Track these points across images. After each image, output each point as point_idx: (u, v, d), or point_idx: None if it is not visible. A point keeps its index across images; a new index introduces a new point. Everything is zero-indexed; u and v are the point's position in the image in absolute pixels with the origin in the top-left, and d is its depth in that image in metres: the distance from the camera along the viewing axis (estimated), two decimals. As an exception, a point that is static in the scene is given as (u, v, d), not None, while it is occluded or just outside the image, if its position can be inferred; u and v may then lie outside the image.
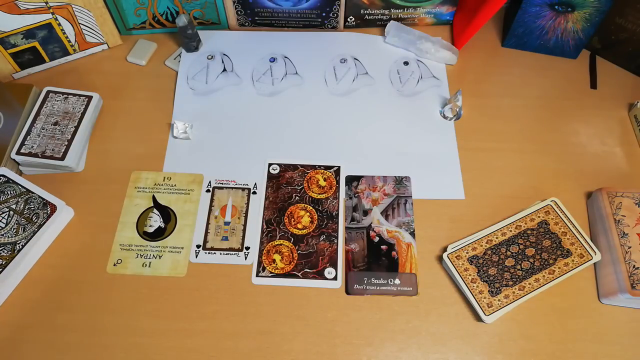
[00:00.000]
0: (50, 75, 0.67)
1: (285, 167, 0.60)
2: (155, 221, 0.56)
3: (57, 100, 0.61)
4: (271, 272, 0.53)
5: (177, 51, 0.70)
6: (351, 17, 0.71)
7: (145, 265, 0.53)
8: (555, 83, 0.68)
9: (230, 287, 0.52)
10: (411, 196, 0.58)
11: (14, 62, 0.64)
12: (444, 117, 0.64)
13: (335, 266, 0.54)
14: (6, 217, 0.52)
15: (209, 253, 0.54)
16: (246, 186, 0.59)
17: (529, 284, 0.50)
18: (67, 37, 0.65)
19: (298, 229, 0.56)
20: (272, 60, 0.69)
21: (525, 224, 0.54)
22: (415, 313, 0.51)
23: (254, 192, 0.58)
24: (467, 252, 0.52)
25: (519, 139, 0.63)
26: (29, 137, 0.58)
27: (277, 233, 0.56)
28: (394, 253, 0.54)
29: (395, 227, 0.56)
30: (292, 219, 0.56)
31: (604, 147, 0.62)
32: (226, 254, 0.54)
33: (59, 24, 0.63)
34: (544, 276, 0.51)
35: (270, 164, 0.60)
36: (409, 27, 0.70)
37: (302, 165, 0.60)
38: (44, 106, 0.60)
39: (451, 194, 0.58)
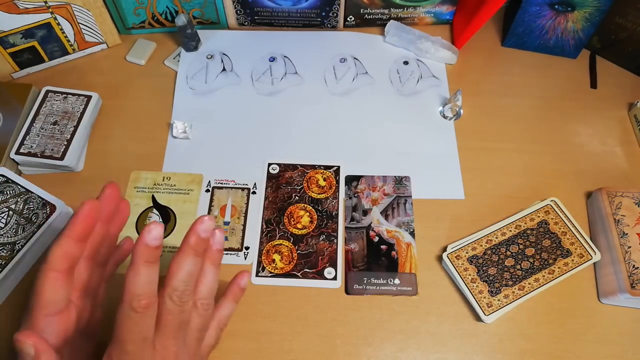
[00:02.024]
0: (49, 74, 0.67)
1: (284, 167, 0.60)
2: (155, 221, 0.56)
3: (57, 100, 0.61)
4: (271, 272, 0.53)
5: (176, 51, 0.70)
6: (351, 16, 0.71)
7: (145, 265, 0.53)
8: (555, 83, 0.68)
9: (229, 287, 0.52)
10: (411, 196, 0.58)
11: (13, 62, 0.64)
12: (444, 116, 0.64)
13: (334, 266, 0.54)
14: (5, 217, 0.52)
15: (208, 253, 0.54)
16: (246, 186, 0.59)
17: (529, 283, 0.50)
18: (66, 37, 0.65)
19: (298, 228, 0.56)
20: (272, 59, 0.69)
21: (525, 223, 0.54)
22: (415, 313, 0.51)
23: (254, 192, 0.58)
24: (466, 252, 0.52)
25: (518, 139, 0.63)
26: (28, 136, 0.58)
27: (276, 233, 0.56)
28: (393, 253, 0.54)
29: (395, 227, 0.56)
30: (292, 219, 0.56)
31: (604, 146, 0.62)
32: (226, 254, 0.54)
33: (58, 24, 0.63)
34: (543, 276, 0.51)
35: (269, 164, 0.60)
36: (408, 26, 0.70)
37: (301, 165, 0.60)
38: (43, 106, 0.60)
39: (451, 193, 0.58)
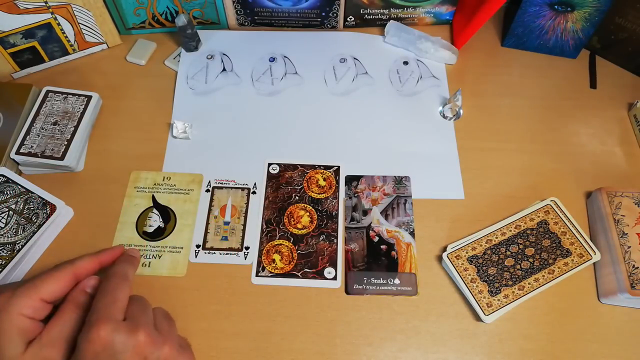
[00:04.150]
0: (49, 74, 0.67)
1: (284, 167, 0.60)
2: (155, 221, 0.56)
3: (57, 100, 0.61)
4: (271, 272, 0.53)
5: (176, 51, 0.70)
6: (351, 16, 0.71)
7: (145, 265, 0.53)
8: (555, 83, 0.68)
9: (230, 287, 0.52)
10: (411, 196, 0.58)
11: (14, 62, 0.64)
12: (444, 116, 0.64)
13: (334, 266, 0.54)
14: (5, 217, 0.52)
15: (208, 253, 0.54)
16: (246, 186, 0.59)
17: (529, 283, 0.50)
18: (66, 37, 0.65)
19: (298, 228, 0.56)
20: (272, 59, 0.69)
21: (525, 223, 0.54)
22: (415, 313, 0.51)
23: (254, 192, 0.58)
24: (466, 252, 0.52)
25: (518, 139, 0.63)
26: (28, 136, 0.58)
27: (276, 233, 0.56)
28: (393, 253, 0.54)
29: (394, 226, 0.56)
30: (292, 219, 0.56)
31: (604, 146, 0.62)
32: (226, 254, 0.54)
33: (59, 24, 0.63)
34: (543, 276, 0.51)
35: (269, 164, 0.60)
36: (408, 26, 0.70)
37: (301, 165, 0.60)
38: (44, 106, 0.60)
39: (451, 193, 0.58)
